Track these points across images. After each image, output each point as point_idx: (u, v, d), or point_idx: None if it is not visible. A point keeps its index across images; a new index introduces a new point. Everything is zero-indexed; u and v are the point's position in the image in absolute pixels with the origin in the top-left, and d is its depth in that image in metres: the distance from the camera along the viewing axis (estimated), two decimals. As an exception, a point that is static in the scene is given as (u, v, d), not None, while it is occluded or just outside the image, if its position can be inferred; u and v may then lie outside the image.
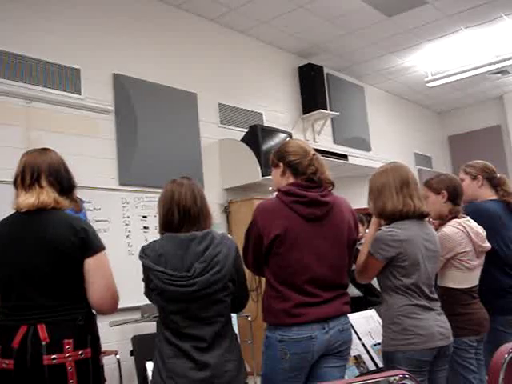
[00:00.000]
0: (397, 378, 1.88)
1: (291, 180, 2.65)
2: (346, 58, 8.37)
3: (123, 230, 5.48)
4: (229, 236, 2.57)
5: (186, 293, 2.35)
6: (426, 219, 2.94)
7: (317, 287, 2.52)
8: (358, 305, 5.04)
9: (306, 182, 2.61)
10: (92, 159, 5.24)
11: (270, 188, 3.02)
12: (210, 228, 2.53)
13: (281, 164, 2.70)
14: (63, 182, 2.49)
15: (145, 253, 2.44)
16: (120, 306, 4.31)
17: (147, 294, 2.51)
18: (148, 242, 2.50)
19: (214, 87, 6.75)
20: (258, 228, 2.56)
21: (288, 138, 6.65)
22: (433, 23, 7.38)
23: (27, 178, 2.41)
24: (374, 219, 2.94)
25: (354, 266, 2.84)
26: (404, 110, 10.51)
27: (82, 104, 5.33)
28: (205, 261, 2.38)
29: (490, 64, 8.19)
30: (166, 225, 2.50)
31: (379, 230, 2.81)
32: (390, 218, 2.80)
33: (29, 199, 2.37)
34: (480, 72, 8.51)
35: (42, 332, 2.25)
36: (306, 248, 2.52)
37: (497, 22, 7.43)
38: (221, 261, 2.40)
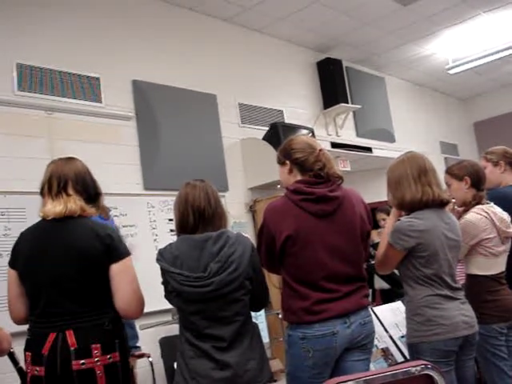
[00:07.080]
0: (418, 368, 1.87)
1: (299, 177, 2.62)
2: (365, 50, 8.28)
3: (150, 233, 5.51)
4: (244, 235, 2.58)
5: (203, 293, 2.37)
6: (448, 207, 2.92)
7: (334, 282, 2.50)
8: (387, 297, 5.03)
9: (314, 178, 2.58)
10: (116, 166, 5.27)
11: (279, 186, 3.01)
12: (226, 228, 2.55)
13: (287, 162, 2.67)
14: (89, 190, 2.53)
15: (161, 255, 2.47)
16: (151, 309, 4.32)
17: (167, 296, 2.53)
18: (164, 245, 2.53)
19: (233, 87, 6.74)
20: (268, 229, 2.56)
21: (310, 134, 6.61)
22: (450, 9, 7.24)
23: (54, 186, 2.45)
24: (393, 210, 2.92)
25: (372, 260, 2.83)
26: (427, 99, 10.35)
27: (103, 112, 5.36)
28: (220, 260, 2.39)
29: (511, 47, 8.04)
30: (182, 227, 2.52)
31: (398, 220, 2.80)
32: (410, 208, 2.78)
33: (56, 207, 2.40)
34: (501, 56, 8.31)
35: (71, 338, 2.27)
36: (319, 245, 2.50)
37: (515, 3, 7.28)
38: (236, 260, 2.41)
